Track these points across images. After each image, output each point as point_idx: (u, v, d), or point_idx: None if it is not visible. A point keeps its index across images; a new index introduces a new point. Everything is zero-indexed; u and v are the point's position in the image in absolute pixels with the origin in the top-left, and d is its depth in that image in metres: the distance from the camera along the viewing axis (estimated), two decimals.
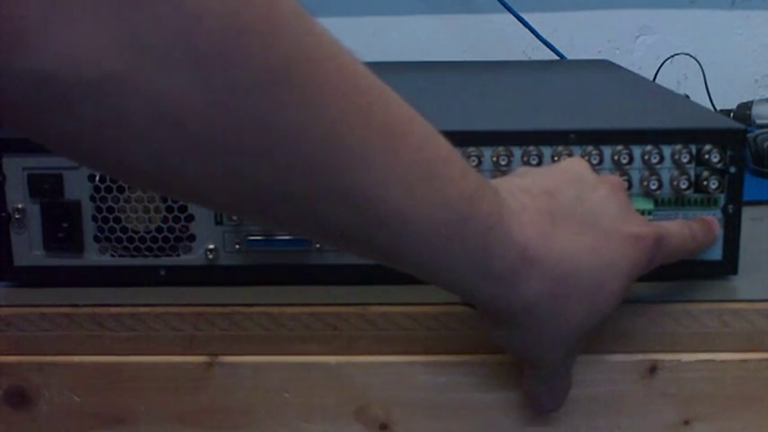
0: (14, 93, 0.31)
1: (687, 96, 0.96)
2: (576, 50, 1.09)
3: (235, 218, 0.54)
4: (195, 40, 0.32)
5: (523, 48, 1.10)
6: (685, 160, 0.53)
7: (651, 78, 1.05)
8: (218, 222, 0.54)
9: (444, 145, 0.40)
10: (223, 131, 0.34)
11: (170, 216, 0.54)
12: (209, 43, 0.32)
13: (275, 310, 0.53)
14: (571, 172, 0.46)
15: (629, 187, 0.53)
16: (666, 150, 0.53)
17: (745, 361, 0.52)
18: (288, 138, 0.35)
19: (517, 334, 0.44)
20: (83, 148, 0.34)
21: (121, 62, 0.31)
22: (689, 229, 0.50)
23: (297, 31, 0.34)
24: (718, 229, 0.53)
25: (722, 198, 0.54)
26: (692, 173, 0.53)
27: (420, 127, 0.39)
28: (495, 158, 0.53)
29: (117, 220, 0.54)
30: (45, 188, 0.54)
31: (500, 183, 0.44)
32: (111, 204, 0.54)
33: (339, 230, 0.39)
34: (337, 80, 0.35)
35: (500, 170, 0.53)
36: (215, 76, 0.32)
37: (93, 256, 0.55)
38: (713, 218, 0.53)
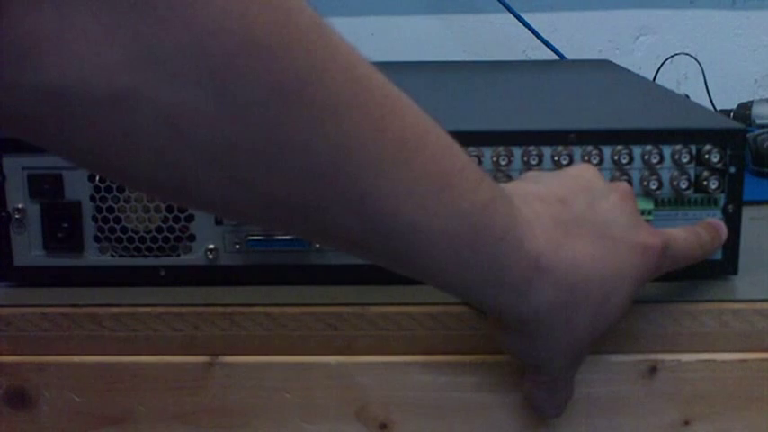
0: (27, 107, 0.31)
1: (687, 96, 0.96)
2: (576, 50, 1.09)
3: None
4: (208, 56, 0.32)
5: (523, 48, 1.10)
6: (685, 160, 0.53)
7: (651, 78, 1.05)
8: (219, 222, 0.54)
9: (459, 155, 0.40)
10: (235, 145, 0.34)
11: (170, 216, 0.54)
12: (222, 58, 0.32)
13: (275, 310, 0.53)
14: (582, 179, 0.46)
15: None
16: (666, 150, 0.53)
17: (745, 361, 0.52)
18: (300, 151, 0.35)
19: (525, 340, 0.44)
20: (95, 160, 0.34)
21: (134, 77, 0.31)
22: (696, 236, 0.50)
23: (312, 44, 0.34)
24: (725, 233, 0.52)
25: (722, 198, 0.54)
26: (692, 173, 0.53)
27: (436, 138, 0.39)
28: (495, 158, 0.53)
29: (117, 220, 0.54)
30: (45, 188, 0.54)
31: (513, 189, 0.44)
32: (111, 204, 0.54)
33: (351, 240, 0.39)
34: (352, 93, 0.35)
35: (500, 170, 0.53)
36: (227, 90, 0.32)
37: (93, 256, 0.55)
38: (720, 222, 0.53)
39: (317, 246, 0.54)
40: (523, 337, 0.44)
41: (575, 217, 0.44)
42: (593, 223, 0.44)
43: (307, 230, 0.39)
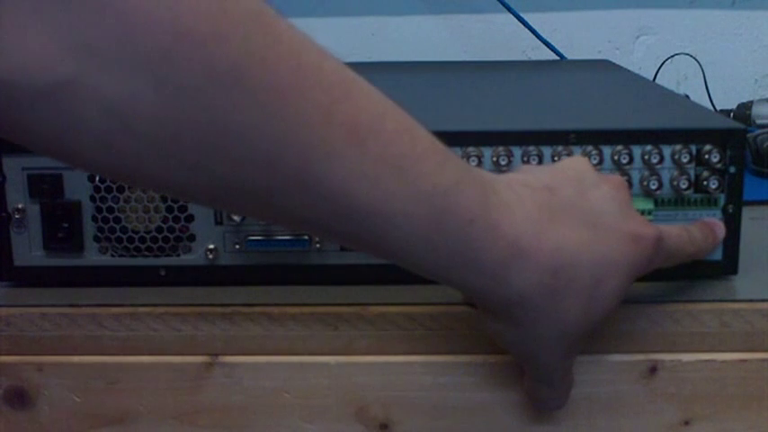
0: None
1: (687, 96, 0.96)
2: (576, 50, 1.09)
3: (235, 217, 0.54)
4: (141, 46, 0.33)
5: (523, 48, 1.10)
6: (685, 160, 0.53)
7: (651, 78, 1.05)
8: (218, 222, 0.54)
9: (421, 139, 0.40)
10: (177, 132, 0.35)
11: (170, 216, 0.54)
12: (154, 47, 0.33)
13: (275, 310, 0.53)
14: (572, 170, 0.46)
15: (629, 187, 0.53)
16: (666, 150, 0.53)
17: (745, 361, 0.52)
18: (242, 136, 0.35)
19: (512, 329, 0.44)
20: (45, 147, 0.35)
21: (72, 67, 0.32)
22: (687, 233, 0.50)
23: (248, 32, 0.35)
24: (722, 232, 0.52)
25: (722, 198, 0.54)
26: (691, 173, 0.53)
27: (392, 122, 0.39)
28: (495, 158, 0.53)
29: (117, 220, 0.54)
30: (45, 188, 0.54)
31: (499, 176, 0.44)
32: (111, 204, 0.54)
33: (311, 222, 0.39)
34: (294, 80, 0.36)
35: (500, 170, 0.53)
36: (163, 79, 0.33)
37: (93, 256, 0.55)
38: (718, 221, 0.53)
39: (318, 246, 0.54)
40: (509, 325, 0.44)
41: (561, 204, 0.43)
42: (581, 211, 0.44)
43: (267, 215, 0.41)
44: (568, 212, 0.43)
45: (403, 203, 0.39)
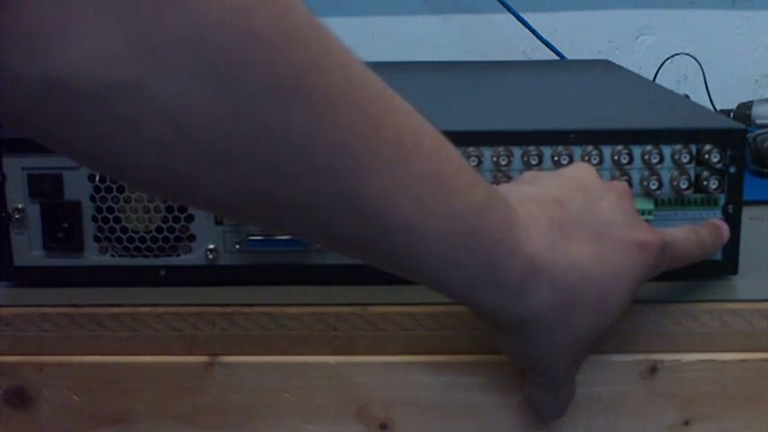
0: (26, 98, 0.31)
1: (687, 96, 0.96)
2: (576, 50, 1.09)
3: None
4: (206, 48, 0.32)
5: (523, 48, 1.10)
6: (685, 160, 0.53)
7: (651, 78, 1.05)
8: (218, 222, 0.54)
9: (455, 156, 0.40)
10: (231, 139, 0.34)
11: (170, 216, 0.54)
12: (220, 51, 0.32)
13: (275, 310, 0.53)
14: (578, 179, 0.46)
15: (630, 188, 0.53)
16: (666, 150, 0.53)
17: (745, 361, 0.52)
18: (296, 145, 0.35)
19: (523, 343, 0.44)
20: (93, 154, 0.34)
21: (135, 69, 0.31)
22: (696, 235, 0.50)
23: (308, 40, 0.34)
24: (727, 234, 0.52)
25: (722, 198, 0.54)
26: (691, 173, 0.53)
27: (430, 138, 0.39)
28: (495, 158, 0.53)
29: (117, 220, 0.54)
30: (45, 188, 0.54)
31: (509, 191, 0.44)
32: (111, 204, 0.54)
33: (346, 239, 0.39)
34: (347, 89, 0.36)
35: (500, 170, 0.53)
36: (225, 83, 0.32)
37: (93, 256, 0.55)
38: (722, 222, 0.53)
39: (318, 246, 0.54)
40: (521, 339, 0.44)
41: (571, 217, 0.44)
42: (589, 223, 0.44)
43: (305, 231, 0.39)
44: (577, 226, 0.44)
45: (439, 221, 0.39)
